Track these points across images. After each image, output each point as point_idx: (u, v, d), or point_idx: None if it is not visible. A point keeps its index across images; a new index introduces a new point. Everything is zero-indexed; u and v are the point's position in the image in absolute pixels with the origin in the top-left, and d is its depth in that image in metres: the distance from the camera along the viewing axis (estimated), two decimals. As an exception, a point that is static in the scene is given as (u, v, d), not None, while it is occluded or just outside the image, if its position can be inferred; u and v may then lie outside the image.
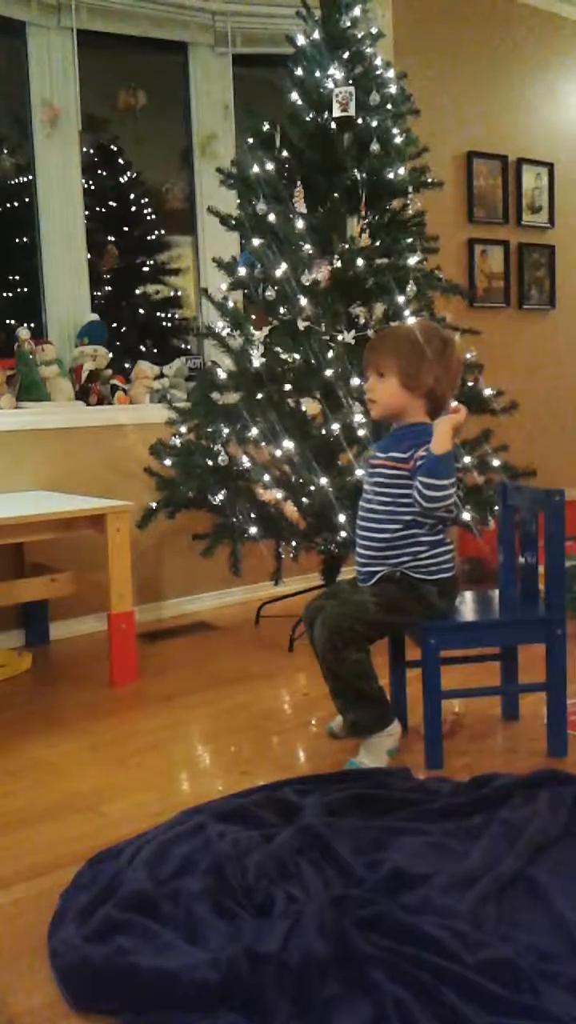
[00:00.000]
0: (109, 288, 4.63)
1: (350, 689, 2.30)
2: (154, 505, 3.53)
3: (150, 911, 1.62)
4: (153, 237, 4.80)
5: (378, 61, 3.47)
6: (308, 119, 3.40)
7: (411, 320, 3.27)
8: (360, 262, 3.24)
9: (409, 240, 3.40)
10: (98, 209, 4.56)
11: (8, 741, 2.64)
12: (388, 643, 2.58)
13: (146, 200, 4.76)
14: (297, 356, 3.28)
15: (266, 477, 3.33)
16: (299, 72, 3.45)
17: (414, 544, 2.32)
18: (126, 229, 4.74)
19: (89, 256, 4.14)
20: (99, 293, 4.45)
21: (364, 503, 2.40)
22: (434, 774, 2.27)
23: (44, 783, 2.35)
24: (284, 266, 3.27)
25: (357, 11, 3.45)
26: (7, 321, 4.08)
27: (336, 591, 2.52)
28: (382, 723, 2.32)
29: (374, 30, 3.51)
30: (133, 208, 4.76)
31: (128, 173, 4.72)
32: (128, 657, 3.12)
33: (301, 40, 3.47)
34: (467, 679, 2.76)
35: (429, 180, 3.49)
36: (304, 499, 3.23)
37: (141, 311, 4.78)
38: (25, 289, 4.23)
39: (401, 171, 3.39)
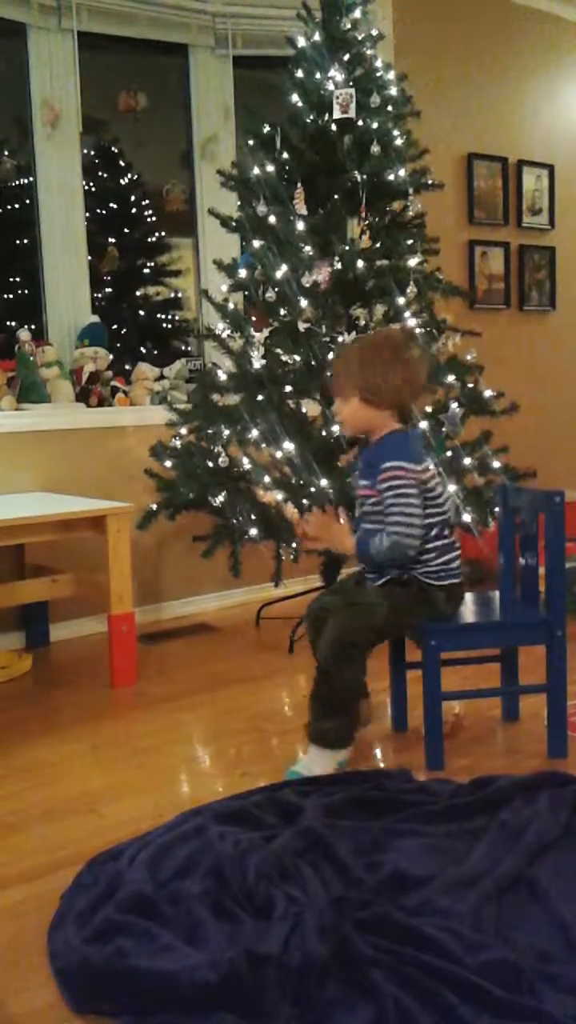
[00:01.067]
0: (110, 290, 4.63)
1: (334, 701, 2.29)
2: (154, 507, 3.53)
3: (150, 913, 1.62)
4: (154, 239, 4.81)
5: (378, 63, 3.47)
6: (308, 121, 3.40)
7: (411, 321, 3.28)
8: (360, 264, 3.25)
9: (409, 242, 3.40)
10: (99, 211, 4.57)
11: (8, 742, 2.64)
12: (388, 644, 2.58)
13: (147, 202, 4.76)
14: (297, 358, 3.28)
15: (266, 479, 3.33)
16: (299, 74, 3.46)
17: (423, 552, 2.32)
18: (127, 231, 4.75)
19: (90, 258, 4.14)
20: (100, 295, 4.46)
21: (363, 520, 2.41)
22: (435, 775, 2.27)
23: (44, 784, 2.35)
24: (284, 268, 3.27)
25: (357, 13, 3.45)
26: (8, 323, 4.08)
27: (340, 588, 2.52)
28: (347, 741, 2.31)
29: (374, 32, 3.52)
30: (133, 210, 4.76)
31: (128, 175, 4.73)
32: (128, 659, 3.12)
33: (301, 42, 3.47)
34: (467, 681, 2.76)
35: (429, 182, 3.49)
36: (304, 500, 3.23)
37: (142, 313, 4.78)
38: (26, 291, 4.24)
39: (401, 173, 3.39)
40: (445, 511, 2.37)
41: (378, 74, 3.44)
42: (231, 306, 3.48)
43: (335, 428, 3.23)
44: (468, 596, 2.62)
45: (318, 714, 2.31)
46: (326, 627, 2.31)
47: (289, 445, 3.25)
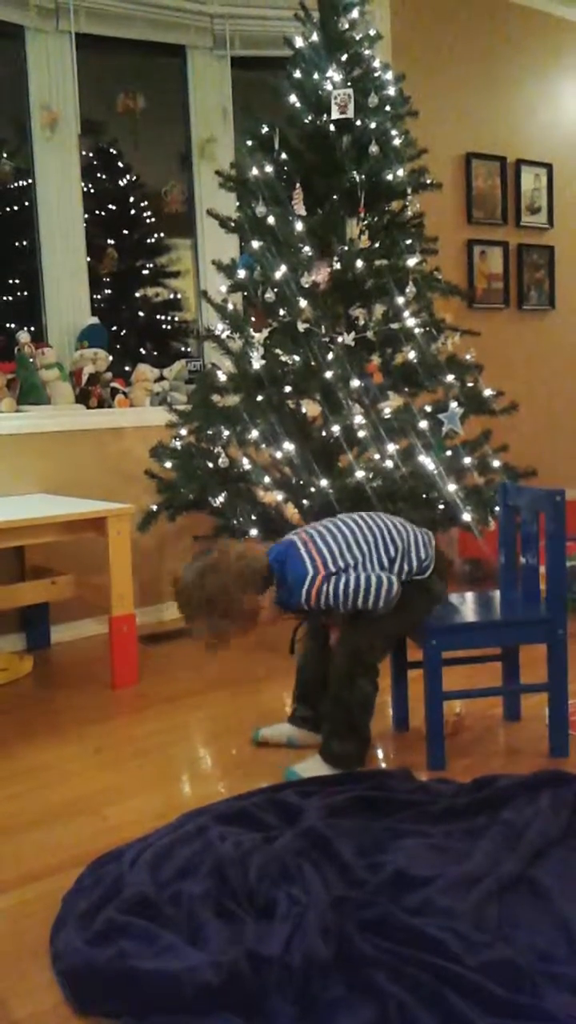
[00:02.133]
0: (109, 291, 4.63)
1: (347, 720, 2.30)
2: (155, 507, 3.53)
3: (152, 914, 1.63)
4: (153, 240, 4.81)
5: (376, 63, 3.47)
6: (307, 121, 3.41)
7: (410, 321, 3.27)
8: (359, 264, 3.25)
9: (408, 241, 3.40)
10: (98, 212, 4.56)
11: (9, 744, 2.64)
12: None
13: (145, 203, 4.76)
14: (297, 358, 3.28)
15: (266, 479, 3.33)
16: (297, 74, 3.46)
17: (408, 573, 2.34)
18: (126, 232, 4.75)
19: (89, 259, 4.14)
20: (99, 296, 4.45)
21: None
22: (436, 775, 2.27)
23: (46, 786, 2.35)
24: (283, 268, 3.27)
25: (355, 13, 3.45)
26: (7, 325, 4.08)
27: None
28: (358, 763, 2.31)
29: (372, 32, 3.52)
30: (132, 211, 4.76)
31: (127, 176, 4.72)
32: (129, 660, 3.12)
33: (299, 42, 3.47)
34: (468, 680, 2.76)
35: (428, 181, 3.49)
36: (304, 501, 3.23)
37: (141, 314, 4.78)
38: (25, 293, 4.23)
39: (400, 173, 3.39)
40: (396, 547, 2.31)
41: (376, 74, 3.44)
42: (230, 307, 3.48)
43: (335, 428, 3.23)
44: (469, 595, 2.63)
45: (331, 735, 2.31)
46: (336, 647, 2.32)
47: (289, 445, 3.25)
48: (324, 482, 3.17)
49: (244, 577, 2.25)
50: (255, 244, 3.37)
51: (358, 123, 3.35)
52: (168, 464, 3.55)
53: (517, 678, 2.64)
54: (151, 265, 4.82)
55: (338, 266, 3.26)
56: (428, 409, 3.33)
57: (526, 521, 2.55)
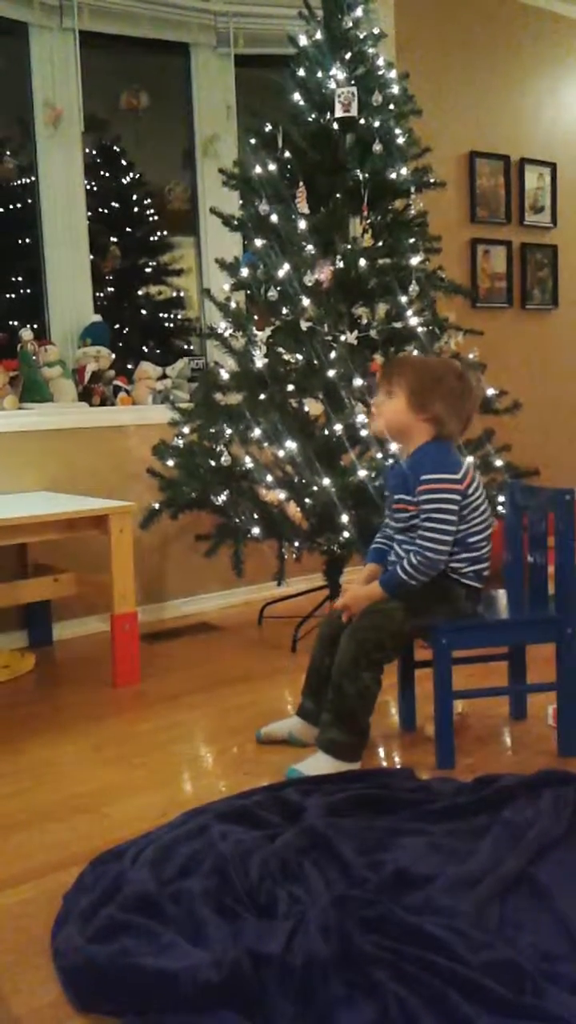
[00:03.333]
0: (112, 289, 4.63)
1: (347, 710, 2.29)
2: (157, 506, 3.54)
3: (153, 912, 1.62)
4: (155, 238, 4.80)
5: (380, 61, 3.46)
6: (310, 119, 3.40)
7: (413, 320, 3.27)
8: (362, 262, 3.25)
9: (411, 240, 3.40)
10: (100, 210, 4.56)
11: (11, 742, 2.64)
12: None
13: (148, 201, 4.76)
14: (300, 357, 3.28)
15: (269, 477, 3.33)
16: (301, 72, 3.45)
17: (460, 551, 2.33)
18: (128, 230, 4.74)
19: (92, 257, 4.14)
20: (102, 294, 4.46)
21: (395, 529, 2.41)
22: (444, 774, 2.26)
23: (47, 784, 2.35)
24: (286, 266, 3.27)
25: (359, 11, 3.45)
26: (10, 322, 4.08)
27: None
28: (355, 756, 2.30)
29: (376, 30, 3.51)
30: (135, 209, 4.76)
31: (130, 174, 4.72)
32: (131, 658, 3.12)
33: (303, 40, 3.47)
34: (472, 679, 2.76)
35: (431, 180, 3.49)
36: (307, 499, 3.23)
37: (144, 312, 4.78)
38: (28, 290, 4.24)
39: (403, 171, 3.39)
40: (486, 517, 2.37)
41: (380, 72, 3.44)
42: (233, 305, 3.48)
43: (337, 427, 3.23)
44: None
45: (328, 724, 2.31)
46: (344, 635, 2.31)
47: (291, 444, 3.25)
48: (326, 481, 3.16)
49: (462, 394, 2.34)
50: (258, 242, 3.37)
51: (362, 121, 3.35)
52: (170, 462, 3.55)
53: (523, 677, 2.64)
54: (154, 263, 4.81)
55: (341, 265, 3.26)
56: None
57: (534, 521, 2.55)
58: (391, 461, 2.50)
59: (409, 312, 3.27)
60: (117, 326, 4.44)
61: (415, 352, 3.26)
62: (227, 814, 1.99)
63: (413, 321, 3.27)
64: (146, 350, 4.65)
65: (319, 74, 3.41)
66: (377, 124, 3.34)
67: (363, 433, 3.22)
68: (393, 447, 3.22)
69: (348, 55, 3.41)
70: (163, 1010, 1.41)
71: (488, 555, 2.39)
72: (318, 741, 2.32)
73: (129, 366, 4.18)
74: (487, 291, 5.04)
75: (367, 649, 2.27)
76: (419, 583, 2.28)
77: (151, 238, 4.80)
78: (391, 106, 3.41)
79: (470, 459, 2.37)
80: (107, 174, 4.66)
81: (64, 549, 3.46)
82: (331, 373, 3.19)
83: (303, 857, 1.79)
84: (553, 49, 5.26)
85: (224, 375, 3.45)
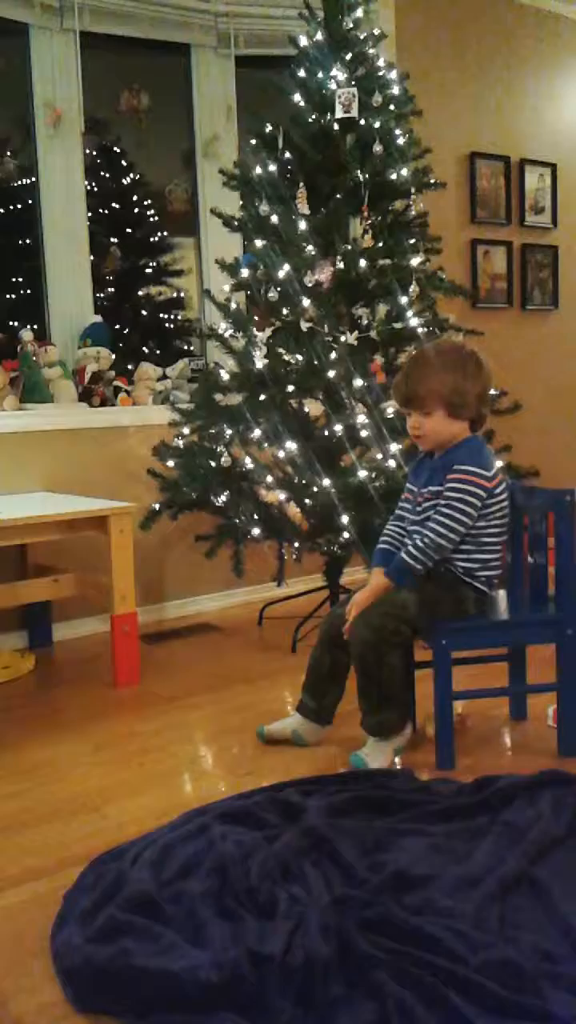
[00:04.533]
0: (112, 290, 4.63)
1: (380, 692, 2.32)
2: (157, 506, 3.54)
3: (153, 912, 1.62)
4: (156, 239, 4.81)
5: (380, 62, 3.46)
6: (311, 120, 3.40)
7: (414, 321, 3.27)
8: (363, 263, 3.25)
9: (412, 241, 3.40)
10: (101, 211, 4.56)
11: (11, 742, 2.64)
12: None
13: (149, 202, 4.76)
14: (300, 357, 3.28)
15: (269, 478, 3.33)
16: (302, 73, 3.45)
17: (476, 551, 2.35)
18: (129, 231, 4.74)
19: (92, 258, 4.14)
20: (102, 295, 4.46)
21: (413, 522, 2.41)
22: (444, 774, 2.26)
23: (47, 784, 2.35)
24: (287, 267, 3.27)
25: (360, 12, 3.45)
26: (10, 323, 4.09)
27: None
28: (403, 724, 2.37)
29: (376, 31, 3.51)
30: (136, 210, 4.76)
31: (131, 175, 4.72)
32: (131, 658, 3.12)
33: (304, 41, 3.46)
34: (473, 680, 2.76)
35: (432, 181, 3.49)
36: (307, 500, 3.23)
37: (144, 313, 4.78)
38: (28, 291, 4.24)
39: (404, 172, 3.39)
40: (504, 523, 2.40)
41: (380, 73, 3.44)
42: (233, 306, 3.48)
43: (338, 428, 3.23)
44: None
45: (369, 710, 2.35)
46: (356, 625, 2.32)
47: (291, 445, 3.25)
48: (326, 481, 3.16)
49: (482, 374, 2.40)
50: (258, 243, 3.37)
51: (362, 122, 3.35)
52: (170, 463, 3.55)
53: (523, 678, 2.64)
54: (154, 264, 4.82)
55: (341, 265, 3.26)
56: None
57: (535, 521, 2.55)
58: (419, 455, 2.50)
59: (409, 313, 3.27)
60: (117, 327, 4.44)
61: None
62: (227, 814, 1.99)
63: (413, 322, 3.27)
64: (146, 351, 4.65)
65: (319, 75, 3.41)
66: (377, 125, 3.34)
67: (363, 434, 3.22)
68: (393, 447, 3.23)
69: (348, 56, 3.42)
70: (163, 1010, 1.41)
71: (499, 561, 2.40)
72: (367, 728, 2.36)
73: (129, 367, 4.18)
74: (487, 292, 5.04)
75: (385, 636, 2.29)
76: (423, 567, 2.30)
77: (151, 239, 4.80)
78: (391, 107, 3.41)
79: (500, 463, 2.39)
80: (107, 175, 4.66)
81: (64, 550, 3.46)
82: (331, 374, 3.19)
83: (303, 858, 1.79)
84: (554, 49, 5.26)
85: (224, 376, 3.45)
